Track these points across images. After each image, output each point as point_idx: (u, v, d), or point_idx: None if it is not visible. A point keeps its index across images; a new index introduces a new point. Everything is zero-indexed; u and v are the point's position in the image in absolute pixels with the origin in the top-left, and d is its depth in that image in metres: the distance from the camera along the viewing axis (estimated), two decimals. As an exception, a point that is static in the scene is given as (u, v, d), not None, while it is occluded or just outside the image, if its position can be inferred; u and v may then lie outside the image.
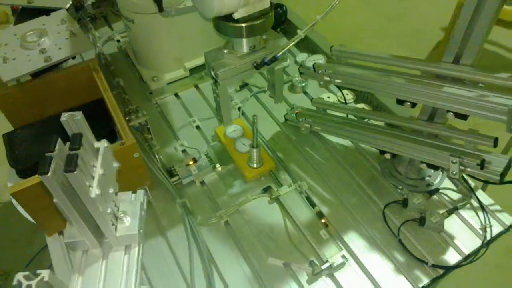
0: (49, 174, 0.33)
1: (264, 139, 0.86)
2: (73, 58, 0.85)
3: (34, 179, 0.65)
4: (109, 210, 0.39)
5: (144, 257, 0.69)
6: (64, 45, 0.81)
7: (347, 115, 0.80)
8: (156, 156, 0.82)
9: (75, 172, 0.33)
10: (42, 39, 0.81)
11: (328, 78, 0.70)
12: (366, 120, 0.82)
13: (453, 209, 0.72)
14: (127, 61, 1.06)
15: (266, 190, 0.77)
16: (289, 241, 0.71)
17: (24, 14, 0.93)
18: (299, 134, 0.86)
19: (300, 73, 0.80)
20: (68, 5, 0.91)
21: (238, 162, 0.80)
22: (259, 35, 0.59)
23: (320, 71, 0.70)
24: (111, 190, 0.41)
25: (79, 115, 0.39)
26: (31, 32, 0.82)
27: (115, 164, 0.44)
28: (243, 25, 0.56)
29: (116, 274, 0.39)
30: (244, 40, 0.58)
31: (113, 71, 1.02)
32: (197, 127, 0.90)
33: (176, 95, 0.98)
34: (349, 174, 0.80)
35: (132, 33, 0.94)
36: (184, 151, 0.85)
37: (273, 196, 0.76)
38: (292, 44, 0.61)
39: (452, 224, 0.71)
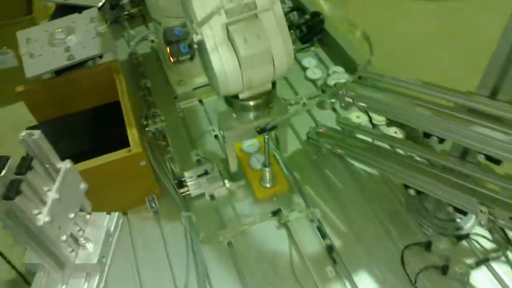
0: None
1: (282, 155, 0.81)
2: (100, 57, 0.85)
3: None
4: (63, 238, 0.36)
5: (142, 264, 0.68)
6: (88, 45, 0.81)
7: (373, 140, 0.73)
8: (168, 165, 0.79)
9: (15, 200, 0.30)
10: (69, 37, 0.81)
11: (350, 100, 0.64)
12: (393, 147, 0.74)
13: (483, 260, 0.62)
14: (158, 62, 1.05)
15: (276, 213, 0.72)
16: (291, 272, 0.65)
17: (61, 11, 0.95)
18: (321, 153, 0.80)
19: (322, 91, 0.74)
20: (100, 4, 0.92)
21: (251, 179, 0.76)
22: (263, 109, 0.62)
23: (341, 92, 0.64)
24: (71, 215, 0.38)
25: (37, 134, 0.37)
26: (60, 29, 0.82)
27: (83, 186, 0.42)
28: (249, 103, 0.59)
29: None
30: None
31: (142, 72, 1.02)
32: (216, 136, 0.87)
33: (200, 101, 0.95)
34: (369, 204, 0.72)
35: (160, 35, 0.92)
36: (198, 161, 0.82)
37: (282, 221, 0.70)
38: (292, 114, 0.63)
39: (479, 278, 0.61)
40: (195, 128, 0.90)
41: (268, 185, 0.74)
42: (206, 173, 0.77)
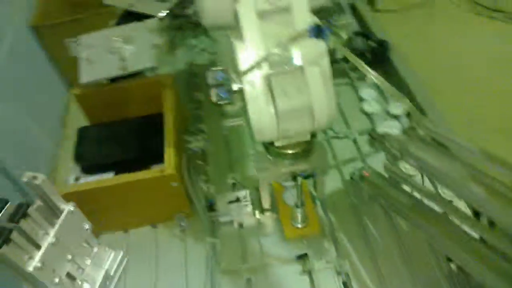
0: None
1: (322, 194, 0.76)
2: (153, 69, 0.85)
3: (86, 187, 0.67)
4: (56, 280, 0.35)
5: (160, 279, 0.68)
6: (143, 56, 0.82)
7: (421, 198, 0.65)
8: (202, 186, 0.78)
9: (1, 250, 0.30)
10: (126, 47, 0.82)
11: (397, 154, 0.57)
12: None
13: None
14: (213, 74, 1.04)
15: (301, 257, 0.68)
16: (306, 327, 0.61)
17: (126, 17, 0.97)
18: (362, 197, 0.74)
19: (371, 136, 0.68)
20: (162, 14, 0.92)
21: (282, 214, 0.72)
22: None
23: (387, 144, 0.58)
24: (69, 256, 0.37)
25: (40, 179, 0.36)
26: (118, 37, 0.84)
27: (87, 226, 0.41)
28: (285, 151, 0.57)
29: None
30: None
31: (197, 84, 1.01)
32: (255, 162, 0.84)
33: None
34: (407, 266, 0.65)
35: (216, 48, 0.92)
36: (234, 184, 0.80)
37: (306, 268, 0.66)
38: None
39: None
40: (237, 149, 0.87)
41: (299, 225, 0.70)
42: (237, 200, 0.75)
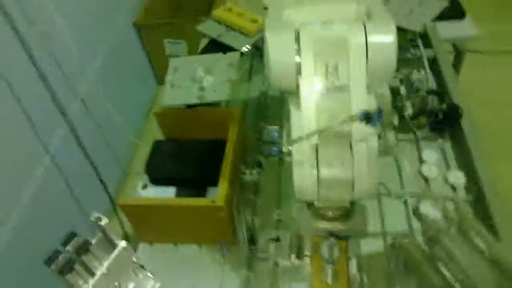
0: (52, 267, 0.39)
1: (360, 253, 0.78)
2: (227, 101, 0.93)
3: (166, 202, 0.77)
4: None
5: None
6: (219, 88, 0.90)
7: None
8: (248, 219, 0.84)
9: (66, 277, 0.38)
10: (206, 78, 0.91)
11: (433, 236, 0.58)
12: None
13: None
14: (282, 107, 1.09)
15: (326, 312, 0.71)
16: None
17: (212, 44, 1.06)
18: (400, 265, 0.74)
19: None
20: (245, 49, 1.00)
21: (314, 265, 0.75)
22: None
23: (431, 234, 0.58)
24: (116, 283, 0.45)
25: (103, 221, 0.44)
26: (201, 67, 0.93)
27: (135, 259, 0.48)
28: (325, 213, 0.62)
29: None
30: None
31: (266, 115, 1.07)
32: (303, 202, 0.88)
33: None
34: None
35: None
36: (278, 221, 0.85)
37: (327, 323, 0.69)
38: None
39: None
40: (290, 186, 0.92)
41: (328, 280, 0.73)
42: (277, 239, 0.80)
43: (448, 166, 0.90)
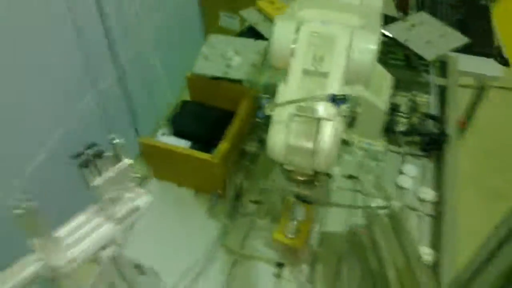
0: (76, 160, 0.56)
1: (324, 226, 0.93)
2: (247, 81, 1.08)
3: (175, 149, 0.95)
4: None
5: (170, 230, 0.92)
6: (242, 70, 1.05)
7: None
8: (238, 180, 0.99)
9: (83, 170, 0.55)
10: (234, 58, 1.07)
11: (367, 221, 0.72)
12: None
13: None
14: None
15: (280, 266, 0.86)
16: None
17: (250, 31, 1.21)
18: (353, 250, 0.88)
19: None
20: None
21: (282, 221, 0.84)
22: None
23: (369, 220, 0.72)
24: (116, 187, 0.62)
25: (116, 140, 0.59)
26: (232, 47, 1.08)
27: (135, 175, 0.64)
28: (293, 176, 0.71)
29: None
30: None
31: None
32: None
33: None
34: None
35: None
36: (263, 189, 1.00)
37: (279, 276, 0.84)
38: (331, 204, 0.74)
39: None
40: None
41: (288, 235, 0.83)
42: (257, 202, 0.96)
43: (422, 183, 1.02)
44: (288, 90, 0.68)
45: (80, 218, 0.65)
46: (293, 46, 0.69)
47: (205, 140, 1.05)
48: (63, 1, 1.30)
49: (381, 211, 0.87)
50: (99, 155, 0.58)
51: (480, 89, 1.41)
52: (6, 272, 0.56)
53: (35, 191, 1.15)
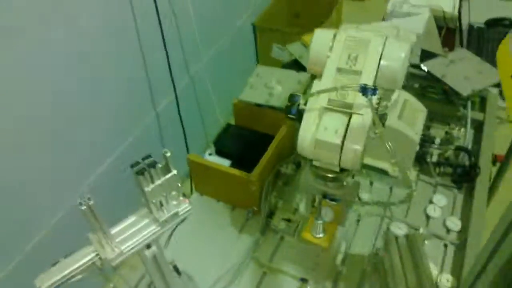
0: (134, 169, 0.68)
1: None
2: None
3: (217, 166, 1.06)
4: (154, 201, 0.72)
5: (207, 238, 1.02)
6: (283, 99, 1.15)
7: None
8: (272, 198, 1.08)
9: (140, 178, 0.67)
10: (276, 87, 1.17)
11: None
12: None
13: None
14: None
15: (304, 281, 0.93)
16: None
17: (294, 63, 1.32)
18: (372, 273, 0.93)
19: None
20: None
21: (310, 222, 0.89)
22: None
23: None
24: (164, 194, 0.74)
25: (168, 153, 0.71)
26: (276, 78, 1.19)
27: (179, 184, 0.75)
28: (319, 171, 0.75)
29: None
30: None
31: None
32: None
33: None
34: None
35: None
36: (295, 209, 1.08)
37: None
38: (356, 204, 0.75)
39: None
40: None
41: (315, 234, 0.88)
42: (288, 220, 1.03)
43: (451, 213, 1.04)
44: (321, 85, 0.72)
45: (131, 219, 0.77)
46: (329, 54, 0.74)
47: (244, 160, 1.16)
48: (135, 31, 1.51)
49: (401, 234, 0.90)
50: (153, 165, 0.70)
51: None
52: (68, 259, 0.69)
53: (99, 193, 1.33)
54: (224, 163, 1.16)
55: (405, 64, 0.72)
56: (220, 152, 1.21)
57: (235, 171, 1.02)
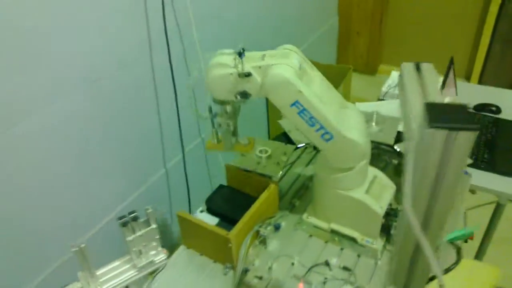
0: (119, 221, 0.84)
1: None
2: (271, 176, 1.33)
3: (201, 223, 1.20)
4: (134, 249, 0.86)
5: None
6: (269, 167, 1.31)
7: None
8: (248, 257, 1.20)
9: (123, 229, 0.83)
10: (264, 156, 1.33)
11: None
12: None
13: None
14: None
15: None
16: None
17: (284, 136, 1.49)
18: None
19: None
20: (300, 145, 1.39)
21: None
22: None
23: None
24: (144, 244, 0.88)
25: (150, 209, 0.87)
26: (266, 148, 1.36)
27: (157, 236, 0.89)
28: None
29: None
30: None
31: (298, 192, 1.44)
32: (292, 264, 1.21)
33: (312, 237, 1.29)
34: None
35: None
36: (269, 268, 1.19)
37: None
38: None
39: None
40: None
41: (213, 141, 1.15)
42: (260, 278, 1.14)
43: (411, 284, 1.13)
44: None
45: (115, 263, 0.92)
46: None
47: (230, 219, 1.29)
48: (153, 93, 1.72)
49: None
50: (135, 218, 0.86)
51: (498, 206, 1.48)
52: (59, 292, 0.84)
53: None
54: (212, 220, 1.31)
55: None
56: (210, 210, 1.35)
57: (215, 229, 1.16)
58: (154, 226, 0.89)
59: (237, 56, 0.98)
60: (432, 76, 0.76)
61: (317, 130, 1.04)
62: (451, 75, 1.76)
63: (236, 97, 1.03)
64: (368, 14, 3.48)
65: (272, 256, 1.23)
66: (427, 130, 0.53)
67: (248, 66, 1.00)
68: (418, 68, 0.79)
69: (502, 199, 1.50)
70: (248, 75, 0.99)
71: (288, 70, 0.98)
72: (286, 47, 1.08)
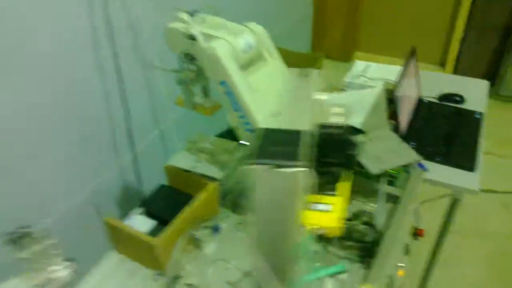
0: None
1: None
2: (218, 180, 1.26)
3: (127, 229, 1.13)
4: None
5: None
6: (210, 167, 1.23)
7: None
8: (179, 261, 1.14)
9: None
10: (203, 154, 1.26)
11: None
12: None
13: None
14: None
15: None
16: None
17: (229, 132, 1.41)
18: None
19: None
20: (243, 142, 1.32)
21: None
22: None
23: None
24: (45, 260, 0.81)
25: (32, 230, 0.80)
26: (209, 145, 1.28)
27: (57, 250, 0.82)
28: None
29: None
30: None
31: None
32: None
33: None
34: None
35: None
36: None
37: None
38: None
39: None
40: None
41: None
42: (189, 285, 1.08)
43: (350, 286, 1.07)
44: None
45: (14, 281, 0.84)
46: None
47: (168, 222, 1.22)
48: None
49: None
50: (28, 234, 0.78)
51: (454, 200, 1.43)
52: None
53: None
54: (148, 223, 1.23)
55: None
56: (148, 213, 1.28)
57: (141, 235, 1.09)
58: (53, 240, 0.81)
59: (189, 16, 0.93)
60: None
61: (240, 117, 0.98)
62: (412, 65, 1.69)
63: (184, 58, 1.00)
64: (343, 0, 3.38)
65: (209, 260, 1.17)
66: (251, 167, 0.45)
67: (198, 29, 0.94)
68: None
69: (457, 193, 1.44)
70: (192, 38, 0.93)
71: (223, 48, 0.91)
72: (249, 25, 1.00)
